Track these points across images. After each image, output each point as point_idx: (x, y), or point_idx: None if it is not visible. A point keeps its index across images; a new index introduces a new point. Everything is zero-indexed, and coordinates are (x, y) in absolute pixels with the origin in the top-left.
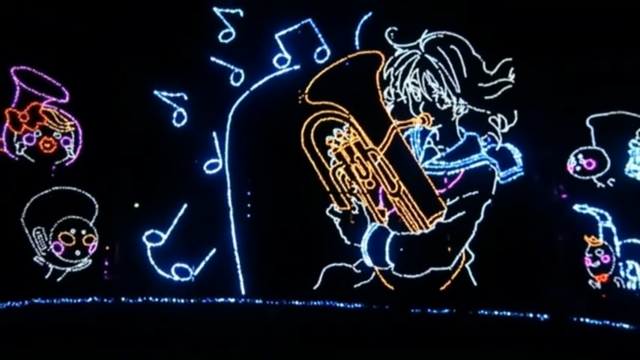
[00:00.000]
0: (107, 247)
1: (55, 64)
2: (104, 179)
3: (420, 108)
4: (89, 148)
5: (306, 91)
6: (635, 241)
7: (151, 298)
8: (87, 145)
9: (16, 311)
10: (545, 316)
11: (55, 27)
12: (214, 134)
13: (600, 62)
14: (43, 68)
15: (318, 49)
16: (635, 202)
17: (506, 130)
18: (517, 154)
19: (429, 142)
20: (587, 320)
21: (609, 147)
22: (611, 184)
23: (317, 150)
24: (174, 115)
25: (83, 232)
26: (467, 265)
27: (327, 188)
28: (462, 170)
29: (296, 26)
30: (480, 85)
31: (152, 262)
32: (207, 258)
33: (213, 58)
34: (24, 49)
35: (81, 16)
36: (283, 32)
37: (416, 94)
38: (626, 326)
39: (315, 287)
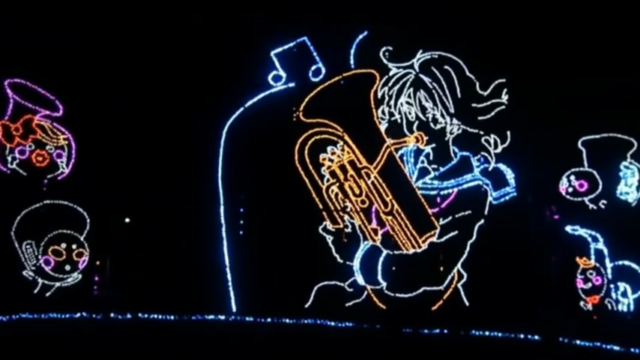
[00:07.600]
0: (97, 262)
1: (50, 77)
2: (96, 193)
3: (414, 127)
4: (82, 162)
5: (301, 108)
6: (626, 262)
7: (140, 314)
8: (80, 159)
9: (3, 325)
10: (537, 337)
11: (49, 40)
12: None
13: (593, 85)
14: (38, 81)
15: (313, 67)
16: (626, 223)
17: (499, 150)
18: (510, 175)
19: (422, 162)
20: (578, 342)
21: (601, 169)
22: (602, 206)
23: (311, 167)
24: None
25: (74, 246)
26: (459, 285)
27: (321, 206)
28: (455, 190)
29: (292, 44)
30: (474, 105)
31: None
32: None
33: None
34: (18, 62)
35: (75, 30)
36: (279, 50)
37: (410, 114)
38: (616, 348)
39: (306, 305)
